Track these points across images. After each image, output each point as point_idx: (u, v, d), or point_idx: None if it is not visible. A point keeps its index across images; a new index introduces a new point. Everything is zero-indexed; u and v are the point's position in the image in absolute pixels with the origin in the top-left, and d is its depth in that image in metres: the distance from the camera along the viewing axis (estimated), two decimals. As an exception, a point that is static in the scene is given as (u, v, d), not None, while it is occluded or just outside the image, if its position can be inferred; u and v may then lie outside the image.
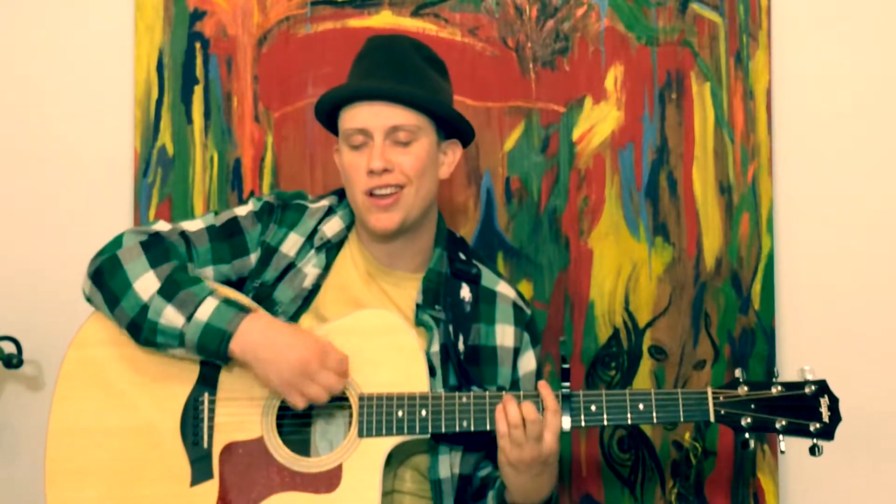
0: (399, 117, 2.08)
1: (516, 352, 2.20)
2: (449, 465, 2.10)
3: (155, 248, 2.08)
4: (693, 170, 2.63)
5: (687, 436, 2.61)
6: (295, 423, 2.07)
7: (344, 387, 2.01)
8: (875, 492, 2.61)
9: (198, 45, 2.65)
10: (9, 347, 2.53)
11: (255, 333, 1.99)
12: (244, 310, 2.02)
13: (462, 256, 2.23)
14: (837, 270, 2.63)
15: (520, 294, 2.27)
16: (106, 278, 2.06)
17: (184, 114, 2.64)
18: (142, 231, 2.12)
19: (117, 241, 2.10)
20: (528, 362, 2.22)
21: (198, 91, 2.64)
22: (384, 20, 2.63)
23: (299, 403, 1.99)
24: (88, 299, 2.11)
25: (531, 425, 1.95)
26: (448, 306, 2.15)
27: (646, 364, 2.61)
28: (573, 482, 2.60)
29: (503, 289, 2.23)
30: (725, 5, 2.63)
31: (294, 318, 2.13)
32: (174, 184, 2.63)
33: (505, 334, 2.19)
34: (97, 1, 2.68)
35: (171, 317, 2.00)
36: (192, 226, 2.16)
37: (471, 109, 2.62)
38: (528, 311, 2.25)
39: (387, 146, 2.08)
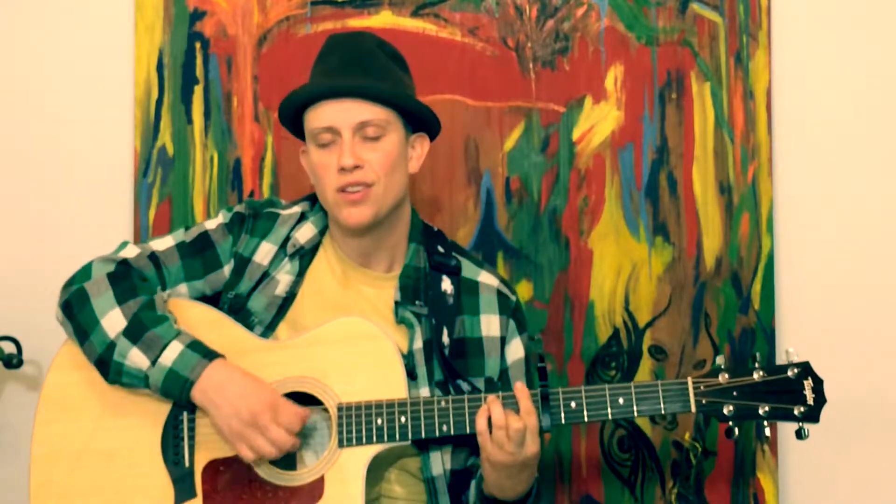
0: (366, 112, 2.06)
1: (503, 340, 2.18)
2: (441, 461, 2.09)
3: (122, 281, 2.06)
4: (693, 170, 2.63)
5: (687, 436, 2.61)
6: None
7: (292, 447, 1.99)
8: (875, 492, 2.61)
9: (198, 45, 2.65)
10: (9, 347, 2.53)
11: (214, 381, 1.99)
12: (208, 355, 2.00)
13: (440, 249, 2.21)
14: (837, 270, 2.63)
15: (503, 281, 2.24)
16: (75, 311, 2.06)
17: (184, 114, 2.64)
18: (110, 260, 2.10)
19: (86, 271, 2.09)
20: (515, 350, 2.19)
21: (198, 91, 2.64)
22: (384, 20, 2.64)
23: (247, 455, 1.98)
24: (62, 325, 2.11)
25: (514, 433, 1.93)
26: (429, 300, 2.13)
27: (646, 364, 2.61)
28: (573, 482, 2.60)
29: (485, 278, 2.21)
30: (725, 5, 2.63)
31: (271, 326, 2.12)
32: (174, 184, 2.63)
33: (490, 324, 2.17)
34: (97, 1, 2.68)
35: (136, 359, 2.00)
36: (162, 244, 2.15)
37: (471, 109, 2.62)
38: (514, 298, 2.22)
39: (356, 142, 2.07)
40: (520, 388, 1.98)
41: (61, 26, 2.69)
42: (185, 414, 2.05)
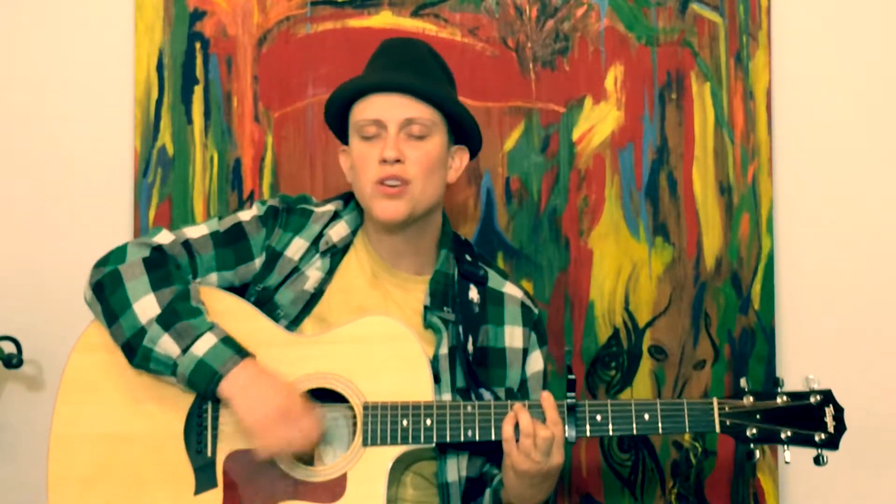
0: (414, 110, 2.09)
1: (525, 352, 2.19)
2: (457, 468, 2.09)
3: (158, 268, 2.06)
4: (693, 170, 2.63)
5: (687, 436, 2.61)
6: None
7: (307, 449, 1.99)
8: (875, 492, 2.62)
9: (198, 45, 2.65)
10: (9, 347, 2.53)
11: (243, 378, 1.99)
12: (241, 353, 2.01)
13: (469, 258, 2.22)
14: (837, 270, 2.63)
15: (527, 294, 2.26)
16: (107, 293, 2.05)
17: (184, 114, 2.64)
18: (145, 244, 2.10)
19: (121, 254, 2.09)
20: (535, 362, 2.21)
21: (198, 91, 2.64)
22: (384, 20, 2.64)
23: (261, 454, 1.98)
24: (90, 305, 2.10)
25: (542, 442, 1.94)
26: (457, 307, 2.14)
27: (646, 364, 2.61)
28: (573, 482, 2.60)
29: (510, 290, 2.23)
30: (725, 5, 2.63)
31: (296, 321, 2.12)
32: (174, 184, 2.63)
33: (514, 336, 2.18)
34: (97, 1, 2.68)
35: (166, 346, 2.00)
36: (196, 232, 2.15)
37: (471, 109, 2.60)
38: (536, 311, 2.24)
39: (400, 138, 2.09)
40: (546, 398, 1.99)
41: (61, 26, 2.68)
42: (209, 403, 2.04)
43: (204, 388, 1.99)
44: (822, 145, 2.64)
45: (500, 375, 2.16)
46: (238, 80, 2.64)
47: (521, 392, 2.17)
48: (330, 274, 2.15)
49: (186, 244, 2.13)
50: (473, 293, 2.18)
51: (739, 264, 2.61)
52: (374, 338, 2.04)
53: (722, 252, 2.61)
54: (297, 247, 2.15)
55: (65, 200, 2.67)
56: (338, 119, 2.19)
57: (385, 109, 2.09)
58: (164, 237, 2.13)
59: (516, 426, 1.97)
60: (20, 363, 2.53)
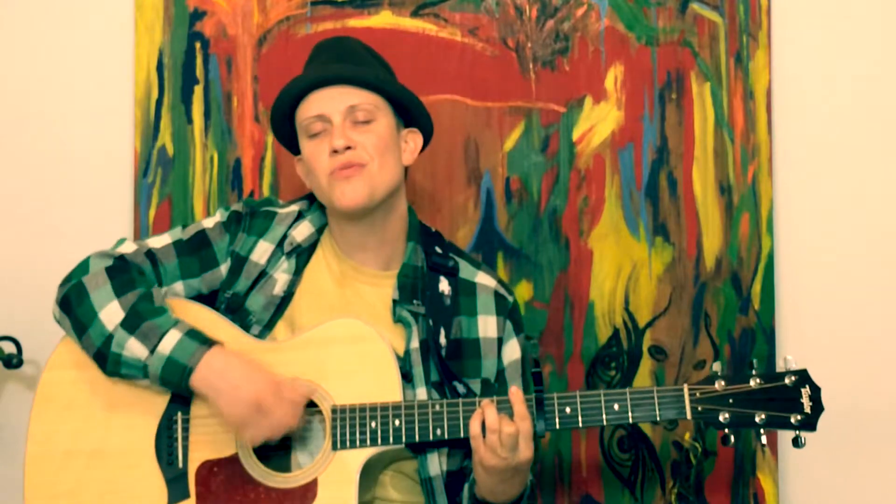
0: (354, 97, 2.10)
1: (500, 341, 2.18)
2: (438, 462, 2.09)
3: (120, 274, 2.06)
4: (693, 170, 2.63)
5: (687, 436, 2.61)
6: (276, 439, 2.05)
7: (297, 424, 1.98)
8: (875, 492, 2.62)
9: (198, 45, 2.65)
10: (9, 347, 2.53)
11: (214, 368, 1.98)
12: (206, 342, 2.00)
13: (438, 250, 2.21)
14: (837, 270, 2.63)
15: (501, 282, 2.24)
16: (73, 306, 2.05)
17: (184, 114, 2.64)
18: (107, 255, 2.10)
19: (84, 267, 2.09)
20: (512, 351, 2.20)
21: (198, 91, 2.64)
22: (384, 20, 2.63)
23: (252, 440, 1.98)
24: (59, 322, 2.11)
25: (507, 437, 1.93)
26: (427, 300, 2.13)
27: (646, 364, 2.61)
28: (573, 482, 2.60)
29: (482, 279, 2.22)
30: (725, 5, 2.63)
31: (269, 326, 2.12)
32: (174, 184, 2.63)
33: (487, 325, 2.17)
34: (97, 1, 2.68)
35: (134, 349, 2.00)
36: (159, 242, 2.15)
37: (471, 109, 2.62)
38: (511, 299, 2.23)
39: (346, 126, 2.09)
40: (514, 393, 1.98)
41: (61, 26, 2.68)
42: (179, 414, 2.04)
43: (176, 384, 1.99)
44: (822, 145, 2.64)
45: (476, 366, 2.15)
46: (238, 80, 2.64)
47: (498, 382, 2.17)
48: (297, 275, 2.15)
49: (150, 254, 2.13)
50: (444, 285, 2.17)
51: (739, 264, 2.61)
52: (341, 340, 2.03)
53: (722, 252, 2.61)
54: (262, 250, 2.15)
55: (65, 200, 2.67)
56: (285, 129, 2.19)
57: (326, 102, 2.10)
58: (127, 247, 2.14)
59: (484, 423, 1.96)
60: (20, 363, 2.53)
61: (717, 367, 2.00)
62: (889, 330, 2.63)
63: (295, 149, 2.21)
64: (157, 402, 2.05)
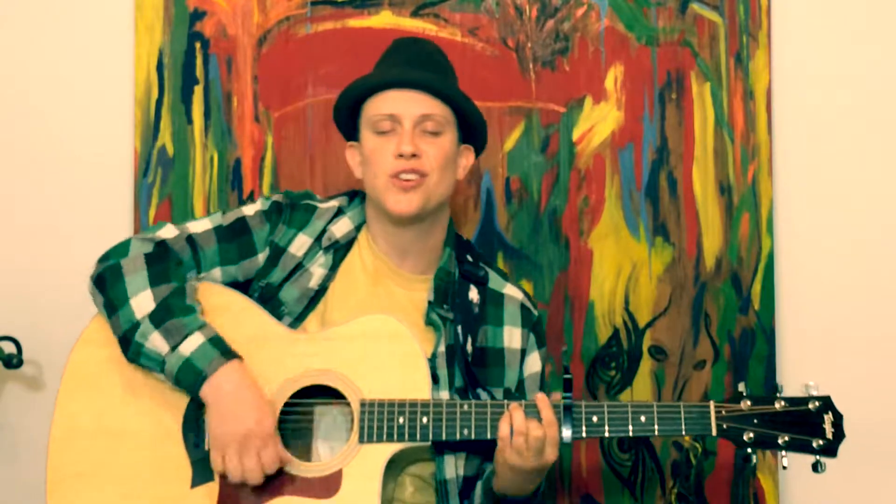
0: (430, 107, 2.11)
1: (523, 353, 2.20)
2: (454, 466, 2.10)
3: (158, 263, 2.07)
4: (693, 170, 2.63)
5: (687, 437, 2.60)
6: (297, 427, 2.06)
7: (254, 481, 1.98)
8: (875, 492, 2.61)
9: (198, 45, 2.65)
10: (9, 347, 2.53)
11: (225, 383, 1.99)
12: (226, 354, 2.01)
13: (469, 259, 2.23)
14: (837, 271, 2.63)
15: (527, 295, 2.26)
16: (107, 286, 2.06)
17: (184, 114, 2.64)
18: (148, 240, 2.11)
19: (124, 248, 2.09)
20: (533, 363, 2.22)
21: (198, 91, 2.64)
22: (384, 20, 2.63)
23: (215, 467, 1.99)
24: (92, 297, 2.11)
25: (534, 441, 1.95)
26: (457, 307, 2.15)
27: (646, 364, 2.61)
28: (573, 482, 2.60)
29: (510, 291, 2.24)
30: (725, 5, 2.63)
31: (300, 318, 2.12)
32: (174, 184, 2.63)
33: (512, 336, 2.19)
34: (97, 1, 2.68)
35: (156, 343, 2.01)
36: (199, 227, 2.15)
37: (471, 109, 2.62)
38: (536, 313, 2.25)
39: (416, 133, 2.10)
40: (541, 399, 1.99)
41: (61, 26, 2.68)
42: None
43: (189, 386, 2.00)
44: (822, 145, 2.64)
45: (499, 375, 2.17)
46: (238, 80, 2.64)
47: (518, 392, 2.18)
48: (333, 270, 2.16)
49: (190, 239, 2.13)
50: (473, 293, 2.19)
51: (739, 264, 2.61)
52: (374, 336, 2.05)
53: (722, 252, 2.61)
54: (300, 243, 2.15)
55: (65, 200, 2.67)
56: (346, 115, 2.20)
57: (401, 105, 2.10)
58: (168, 231, 2.13)
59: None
60: (20, 363, 2.53)
61: (742, 387, 2.01)
62: (889, 330, 2.63)
63: (348, 134, 2.22)
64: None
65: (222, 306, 2.09)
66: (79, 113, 2.67)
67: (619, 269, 2.62)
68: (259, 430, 1.97)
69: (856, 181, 2.64)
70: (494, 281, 2.23)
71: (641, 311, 2.61)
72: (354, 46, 2.61)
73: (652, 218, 2.62)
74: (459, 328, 2.13)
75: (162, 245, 2.10)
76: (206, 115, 2.64)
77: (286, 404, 2.03)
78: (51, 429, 2.06)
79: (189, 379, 1.99)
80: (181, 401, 2.05)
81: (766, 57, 2.62)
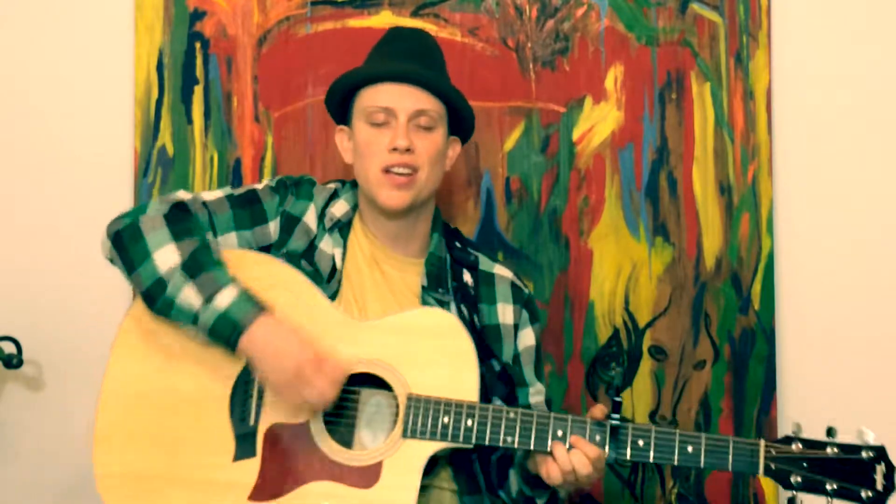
0: (425, 102, 2.14)
1: (516, 328, 2.23)
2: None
3: (179, 221, 2.08)
4: (693, 170, 2.63)
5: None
6: (341, 413, 2.07)
7: (334, 398, 2.00)
8: (875, 492, 2.61)
9: (198, 45, 2.65)
10: (9, 347, 2.53)
11: (264, 333, 2.00)
12: (260, 308, 2.01)
13: (458, 245, 2.27)
14: (837, 270, 2.63)
15: (517, 274, 2.30)
16: (126, 243, 2.06)
17: (184, 114, 2.64)
18: (165, 201, 2.12)
19: (141, 209, 2.10)
20: (527, 337, 2.25)
21: (198, 91, 2.64)
22: (384, 20, 2.63)
23: (304, 398, 1.99)
24: (110, 260, 2.12)
25: (584, 478, 1.96)
26: (454, 290, 2.19)
27: (646, 364, 2.61)
28: (573, 482, 2.60)
29: (500, 270, 2.28)
30: (725, 5, 2.63)
31: (332, 299, 2.14)
32: (174, 184, 2.63)
33: (505, 312, 2.23)
34: (97, 1, 2.68)
35: (189, 295, 2.00)
36: (212, 195, 2.18)
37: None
38: (527, 291, 2.28)
39: (409, 128, 2.13)
40: (580, 441, 1.98)
41: (61, 26, 2.68)
42: (257, 374, 2.05)
43: (226, 338, 2.00)
44: (822, 145, 2.64)
45: (497, 350, 2.20)
46: (238, 80, 2.64)
47: (515, 365, 2.22)
48: (345, 249, 2.19)
49: (204, 204, 2.16)
50: (468, 276, 2.23)
51: (739, 264, 2.61)
52: (427, 330, 2.06)
53: (722, 252, 2.61)
54: (311, 214, 2.19)
55: (65, 200, 2.67)
56: (339, 100, 2.22)
57: (397, 98, 2.13)
58: (184, 195, 2.16)
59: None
60: (20, 363, 2.53)
61: (795, 427, 1.98)
62: (889, 330, 2.63)
63: (338, 117, 2.25)
64: (237, 360, 2.05)
65: (280, 282, 2.09)
66: (79, 113, 2.68)
67: (619, 269, 2.62)
68: (307, 356, 1.98)
69: (856, 181, 2.64)
70: (484, 263, 2.27)
71: (641, 311, 2.61)
72: (354, 46, 2.61)
73: (652, 218, 2.62)
74: (464, 308, 2.16)
75: (179, 205, 2.12)
76: (206, 115, 2.64)
77: None
78: (102, 387, 2.07)
79: (226, 332, 2.00)
80: (231, 373, 2.06)
81: (766, 57, 2.62)
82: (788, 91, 2.64)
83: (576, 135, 2.63)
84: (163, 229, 2.05)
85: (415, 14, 2.63)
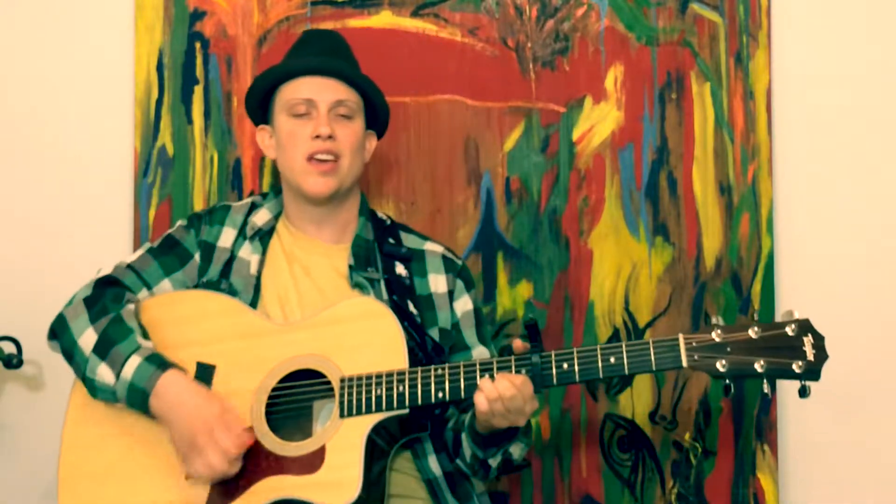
0: (343, 93, 2.25)
1: (451, 294, 2.28)
2: (438, 464, 2.18)
3: (96, 302, 2.17)
4: (693, 170, 2.63)
5: (687, 436, 2.61)
6: (295, 413, 2.11)
7: (229, 470, 2.04)
8: (875, 492, 2.61)
9: (198, 45, 2.65)
10: (9, 347, 2.53)
11: (167, 395, 2.07)
12: (162, 366, 2.08)
13: (391, 241, 2.31)
14: (837, 270, 2.63)
15: (449, 249, 2.35)
16: (58, 336, 2.18)
17: (184, 114, 2.64)
18: (87, 286, 2.21)
19: (70, 301, 2.20)
20: (464, 304, 2.30)
21: (198, 91, 2.64)
22: (384, 20, 2.63)
23: (191, 473, 2.05)
24: (55, 350, 2.21)
25: (510, 401, 1.98)
26: (386, 282, 2.23)
27: (646, 364, 2.60)
28: (573, 482, 2.60)
29: (431, 246, 2.34)
30: (725, 5, 2.63)
31: (253, 305, 2.20)
32: (174, 184, 2.63)
33: (437, 282, 2.28)
34: (97, 1, 2.68)
35: (104, 375, 2.10)
36: (134, 256, 2.28)
37: (471, 109, 2.62)
38: (459, 262, 2.34)
39: (330, 117, 2.23)
40: (506, 374, 2.00)
41: (61, 26, 2.68)
42: None
43: (140, 408, 2.09)
44: (822, 145, 2.64)
45: (431, 318, 2.25)
46: (238, 80, 2.64)
47: (454, 330, 2.27)
48: (264, 255, 2.26)
49: (130, 266, 2.24)
50: (401, 269, 2.28)
51: (739, 264, 2.61)
52: (353, 317, 2.12)
53: (722, 252, 2.61)
54: (226, 235, 2.28)
55: (65, 200, 2.67)
56: (258, 101, 2.31)
57: (317, 90, 2.24)
58: (106, 269, 2.24)
59: None
60: (20, 363, 2.53)
61: (715, 319, 1.97)
62: (889, 329, 2.63)
63: (257, 118, 2.34)
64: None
65: (212, 311, 2.17)
66: (79, 113, 2.68)
67: (619, 269, 2.62)
68: (204, 423, 2.03)
69: (856, 181, 2.64)
70: (414, 241, 2.33)
71: (641, 311, 2.61)
72: (354, 46, 2.60)
73: (652, 218, 2.62)
74: (396, 298, 2.21)
75: (99, 284, 2.20)
76: (206, 115, 2.64)
77: (275, 389, 2.09)
78: (62, 432, 2.15)
79: (137, 400, 2.08)
80: None
81: (766, 57, 2.62)
82: (788, 91, 2.64)
83: (576, 135, 2.63)
84: (83, 315, 2.16)
85: (415, 14, 2.63)
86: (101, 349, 2.10)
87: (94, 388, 2.11)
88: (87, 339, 2.12)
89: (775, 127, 2.63)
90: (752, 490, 2.59)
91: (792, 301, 2.62)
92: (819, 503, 2.62)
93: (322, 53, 2.29)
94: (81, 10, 2.69)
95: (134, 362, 2.08)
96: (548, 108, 2.63)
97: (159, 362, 2.08)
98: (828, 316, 2.62)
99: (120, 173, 2.66)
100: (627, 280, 2.61)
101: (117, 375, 2.08)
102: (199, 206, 2.62)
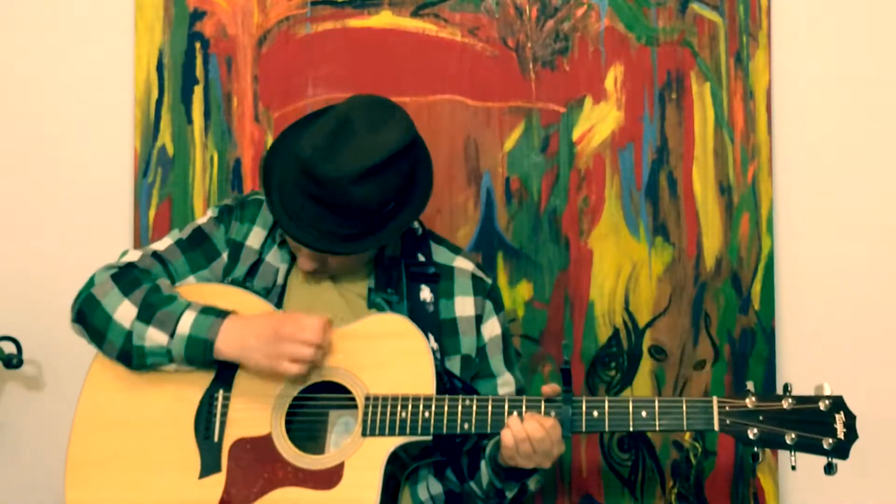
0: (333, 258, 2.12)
1: (478, 319, 2.21)
2: (426, 488, 2.16)
3: (124, 277, 2.14)
4: (693, 170, 2.63)
5: (687, 436, 2.61)
6: (310, 424, 2.10)
7: (320, 340, 2.03)
8: (876, 493, 2.62)
9: (198, 45, 2.65)
10: (9, 347, 2.53)
11: (235, 333, 2.05)
12: (221, 314, 2.07)
13: (421, 258, 2.23)
14: (837, 270, 2.63)
15: (479, 265, 2.27)
16: (88, 318, 2.13)
17: (184, 114, 2.64)
18: (110, 266, 2.17)
19: (90, 281, 2.16)
20: (492, 328, 2.23)
21: (198, 91, 2.64)
22: (384, 20, 2.63)
23: (291, 369, 2.03)
24: (80, 336, 2.17)
25: (539, 444, 1.96)
26: (410, 310, 2.17)
27: (646, 364, 2.61)
28: (573, 482, 2.60)
29: (460, 263, 2.24)
30: (725, 5, 2.63)
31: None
32: (174, 184, 2.63)
33: (465, 305, 2.21)
34: (97, 1, 2.68)
35: (155, 337, 2.07)
36: (161, 245, 2.22)
37: (471, 109, 2.62)
38: (489, 281, 2.25)
39: (316, 255, 2.11)
40: (536, 415, 1.98)
41: (61, 26, 2.69)
42: (220, 392, 2.10)
43: (202, 359, 2.06)
44: (822, 145, 2.64)
45: (454, 343, 2.18)
46: (238, 80, 2.64)
47: (478, 357, 2.21)
48: (292, 264, 2.20)
49: (156, 255, 2.20)
50: (426, 293, 2.21)
51: (739, 264, 2.61)
52: (382, 334, 2.09)
53: (722, 252, 2.61)
54: (256, 235, 2.21)
55: (65, 200, 2.67)
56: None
57: (302, 248, 2.11)
58: (132, 255, 2.20)
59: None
60: (20, 363, 2.53)
61: (750, 386, 1.98)
62: (890, 329, 2.63)
63: None
64: (201, 381, 2.11)
65: (237, 306, 2.14)
66: (79, 113, 2.68)
67: (619, 269, 2.62)
68: (280, 319, 2.04)
69: (856, 181, 2.64)
70: (442, 255, 2.24)
71: (641, 311, 2.61)
72: (354, 46, 2.61)
73: (652, 218, 2.62)
74: (404, 306, 2.16)
75: (126, 265, 2.17)
76: (206, 115, 2.64)
77: (296, 399, 2.07)
78: (73, 419, 2.12)
79: (199, 352, 2.06)
80: (196, 396, 2.11)
81: (766, 57, 2.62)
82: (788, 91, 2.64)
83: (576, 135, 2.63)
84: (113, 290, 2.12)
85: (415, 14, 2.63)
86: (146, 315, 2.07)
87: (143, 355, 2.07)
88: (125, 311, 2.09)
89: (775, 127, 2.63)
90: (752, 490, 2.60)
91: (792, 301, 2.62)
92: (819, 503, 2.62)
93: (319, 218, 2.04)
94: (81, 10, 2.69)
95: (189, 317, 2.06)
96: (548, 108, 2.63)
97: (217, 312, 2.07)
98: (828, 316, 2.64)
99: (120, 173, 2.66)
100: (627, 280, 2.62)
101: (171, 334, 2.05)
102: (199, 206, 2.63)
